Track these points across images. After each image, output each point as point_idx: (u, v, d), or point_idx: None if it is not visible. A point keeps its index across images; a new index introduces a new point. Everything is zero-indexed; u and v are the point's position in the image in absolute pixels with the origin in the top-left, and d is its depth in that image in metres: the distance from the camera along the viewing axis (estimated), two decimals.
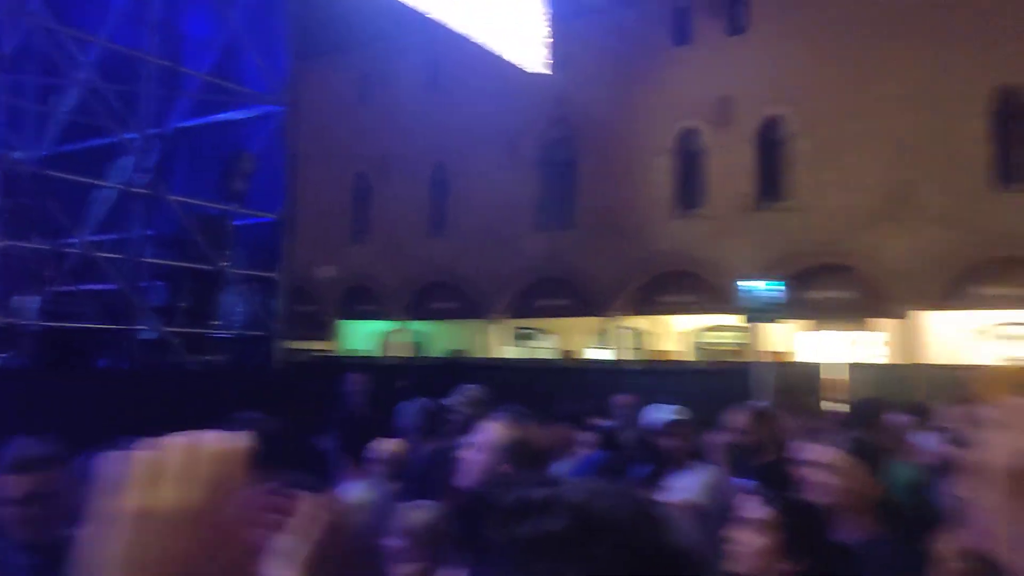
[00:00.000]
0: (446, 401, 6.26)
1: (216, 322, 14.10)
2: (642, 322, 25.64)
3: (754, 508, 2.79)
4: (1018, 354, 19.89)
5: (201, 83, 14.74)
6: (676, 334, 25.53)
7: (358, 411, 8.34)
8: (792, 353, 23.01)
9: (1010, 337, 21.29)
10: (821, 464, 3.29)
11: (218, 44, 14.95)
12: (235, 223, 14.49)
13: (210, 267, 13.49)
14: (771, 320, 18.88)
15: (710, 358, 22.63)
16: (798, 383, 16.77)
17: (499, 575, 0.81)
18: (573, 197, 25.93)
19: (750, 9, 23.48)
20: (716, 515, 3.72)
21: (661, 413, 5.21)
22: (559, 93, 25.00)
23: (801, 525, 2.72)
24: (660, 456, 5.02)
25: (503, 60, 22.50)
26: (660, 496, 4.02)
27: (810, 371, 19.82)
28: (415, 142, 28.20)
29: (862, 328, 23.56)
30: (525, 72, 23.35)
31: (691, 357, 24.08)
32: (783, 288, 16.30)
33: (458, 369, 15.06)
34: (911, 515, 3.88)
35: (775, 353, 21.77)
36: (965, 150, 20.80)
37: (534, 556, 0.80)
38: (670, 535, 0.84)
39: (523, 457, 3.40)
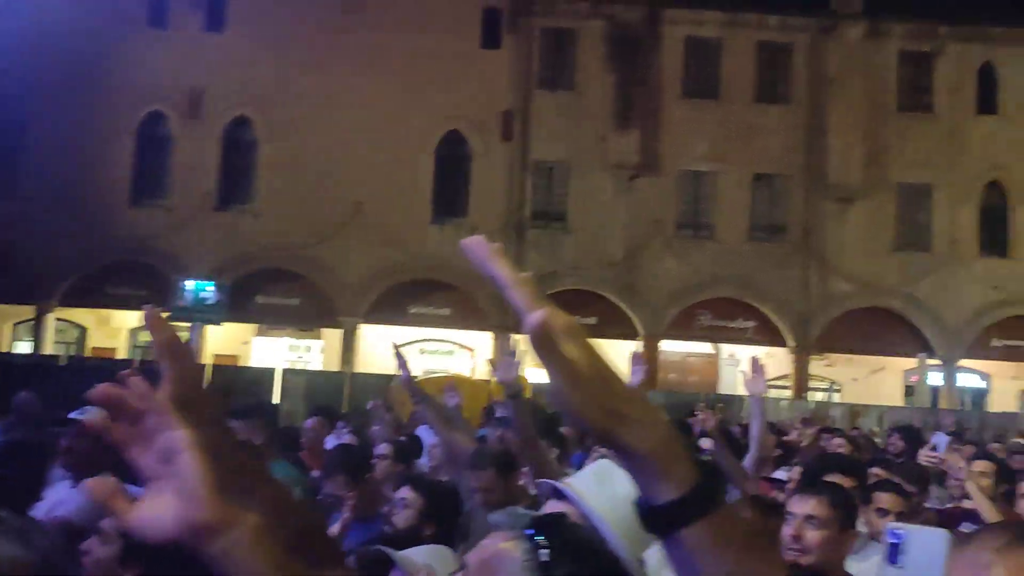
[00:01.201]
0: None
1: None
2: (86, 315, 23.76)
3: None
4: (437, 367, 22.47)
5: None
6: (127, 330, 24.13)
7: None
8: (238, 356, 23.23)
9: (431, 352, 24.16)
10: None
11: None
12: None
13: None
14: (208, 321, 18.82)
15: (147, 357, 21.76)
16: (240, 385, 16.89)
17: None
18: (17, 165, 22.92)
19: (228, 7, 23.30)
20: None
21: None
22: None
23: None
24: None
25: None
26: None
27: (253, 375, 20.06)
28: None
29: (311, 336, 24.71)
30: None
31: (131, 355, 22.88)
32: (216, 290, 16.33)
33: None
34: None
35: (217, 356, 21.78)
36: (414, 182, 23.11)
37: None
38: None
39: None
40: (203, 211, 22.95)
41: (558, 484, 2.42)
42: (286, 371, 18.87)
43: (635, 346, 23.72)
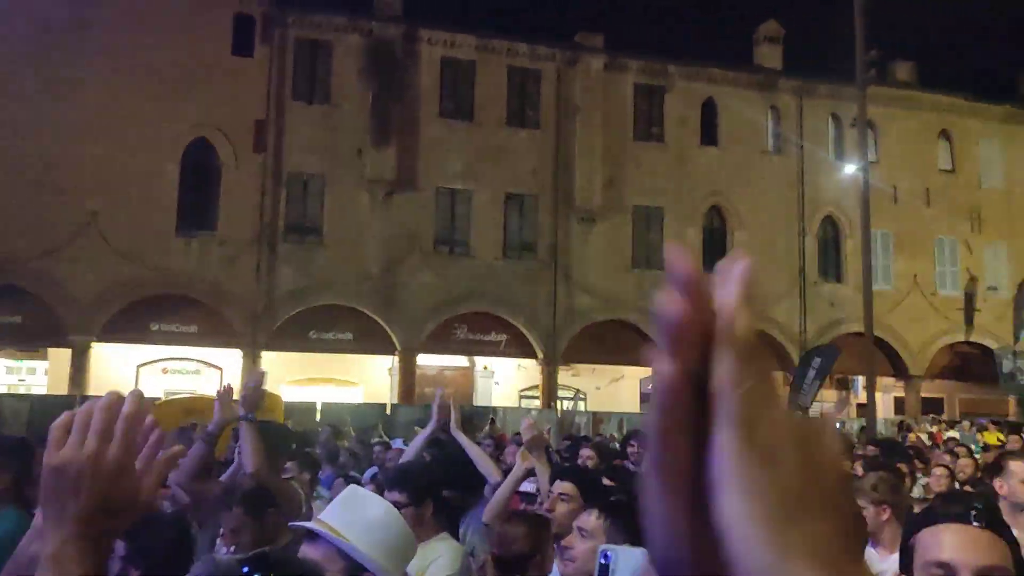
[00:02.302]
0: None
1: None
2: None
3: None
4: (181, 387, 21.23)
5: None
6: None
7: None
8: None
9: (176, 372, 22.77)
10: None
11: None
12: None
13: None
14: None
15: None
16: None
17: None
18: None
19: None
20: None
21: None
22: None
23: None
24: None
25: None
26: None
27: None
28: None
29: (35, 356, 22.45)
30: None
31: None
32: None
33: None
34: None
35: None
36: (156, 192, 21.73)
37: None
38: None
39: None
40: None
41: (308, 525, 2.42)
42: (3, 396, 17.04)
43: (392, 360, 23.84)
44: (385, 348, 23.68)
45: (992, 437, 17.35)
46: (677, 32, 40.89)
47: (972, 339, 28.02)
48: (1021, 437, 11.91)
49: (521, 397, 25.28)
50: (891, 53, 27.36)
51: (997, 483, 4.00)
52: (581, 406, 25.29)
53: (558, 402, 24.24)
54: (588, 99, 25.64)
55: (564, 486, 3.82)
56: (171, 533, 3.49)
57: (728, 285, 0.49)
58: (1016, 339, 25.61)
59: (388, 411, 20.42)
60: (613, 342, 24.50)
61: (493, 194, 24.89)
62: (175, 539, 3.40)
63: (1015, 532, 3.58)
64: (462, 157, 24.36)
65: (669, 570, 0.49)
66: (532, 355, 24.83)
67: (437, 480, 4.09)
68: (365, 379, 24.40)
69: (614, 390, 25.75)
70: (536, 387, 24.75)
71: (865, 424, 19.44)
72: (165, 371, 22.18)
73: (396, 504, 2.92)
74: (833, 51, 23.99)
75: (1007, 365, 25.24)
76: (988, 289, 27.82)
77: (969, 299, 27.42)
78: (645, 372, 25.46)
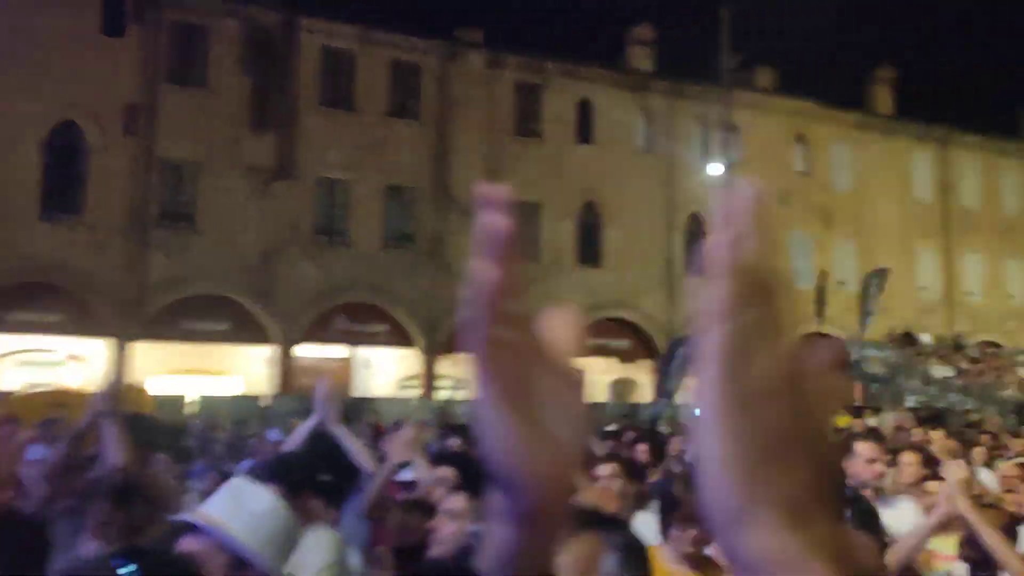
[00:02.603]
0: None
1: None
2: None
3: None
4: (44, 379, 20.31)
5: None
6: None
7: None
8: None
9: (38, 364, 21.75)
10: None
11: None
12: None
13: None
14: None
15: None
16: None
17: None
18: None
19: None
20: None
21: None
22: None
23: None
24: None
25: None
26: None
27: None
28: None
29: None
30: None
31: None
32: None
33: None
34: None
35: None
36: (18, 177, 20.69)
37: None
38: None
39: None
40: None
41: (190, 517, 2.40)
42: None
43: (270, 351, 23.55)
44: (263, 339, 23.37)
45: (842, 420, 18.83)
46: (555, 31, 41.87)
47: (823, 330, 30.07)
48: (864, 421, 13.17)
49: (401, 387, 25.45)
50: (754, 59, 29.03)
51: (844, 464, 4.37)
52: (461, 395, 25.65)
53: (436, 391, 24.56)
54: (468, 94, 26.02)
55: (443, 471, 3.90)
56: (25, 533, 3.53)
57: (733, 212, 0.47)
58: (862, 329, 27.62)
59: (266, 403, 20.21)
60: None
61: (374, 185, 24.93)
62: (29, 538, 3.40)
63: None
64: (343, 147, 24.27)
65: (508, 489, 0.51)
66: (412, 345, 25.04)
67: (314, 470, 4.00)
68: (242, 371, 24.00)
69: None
70: (416, 377, 24.99)
71: None
72: (25, 363, 21.13)
73: None
74: (702, 55, 25.29)
75: (854, 354, 27.24)
76: (838, 283, 29.91)
77: (820, 293, 29.39)
78: None
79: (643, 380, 27.77)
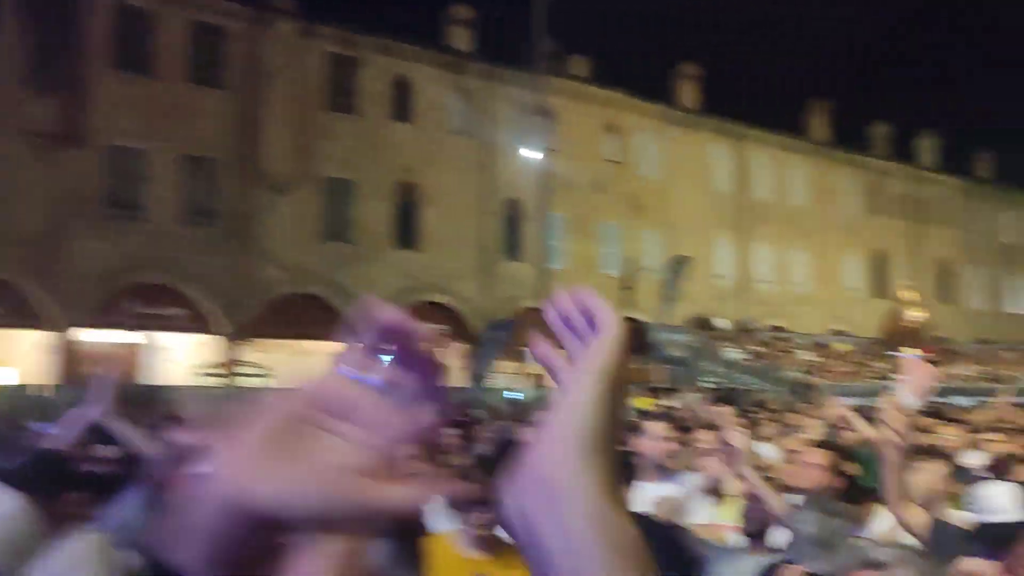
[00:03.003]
0: None
1: None
2: None
3: None
4: None
5: None
6: None
7: None
8: None
9: None
10: None
11: None
12: None
13: None
14: None
15: None
16: None
17: None
18: None
19: None
20: None
21: None
22: None
23: None
24: None
25: None
26: None
27: None
28: None
29: None
30: None
31: None
32: None
33: None
34: None
35: None
36: None
37: None
38: None
39: None
40: None
41: None
42: None
43: (45, 337, 21.36)
44: (36, 323, 21.15)
45: (645, 403, 19.51)
46: (372, 4, 40.66)
47: (630, 314, 31.18)
48: (658, 402, 13.92)
49: (200, 375, 23.89)
50: (570, 47, 29.42)
51: (636, 442, 4.57)
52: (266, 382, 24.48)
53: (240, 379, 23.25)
54: (280, 64, 24.66)
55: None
56: None
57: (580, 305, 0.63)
58: (663, 315, 28.84)
59: (46, 393, 18.31)
60: (301, 316, 23.99)
61: (171, 155, 23.15)
62: None
63: (653, 486, 4.24)
64: (138, 114, 22.33)
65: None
66: (212, 330, 23.55)
67: (75, 464, 3.82)
68: (18, 359, 21.61)
69: (302, 366, 25.20)
70: (218, 364, 23.51)
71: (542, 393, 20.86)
72: None
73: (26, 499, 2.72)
74: (520, 39, 25.27)
75: (656, 337, 28.42)
76: (645, 270, 31.06)
77: (628, 278, 30.41)
78: (336, 348, 25.18)
79: (454, 364, 27.66)
